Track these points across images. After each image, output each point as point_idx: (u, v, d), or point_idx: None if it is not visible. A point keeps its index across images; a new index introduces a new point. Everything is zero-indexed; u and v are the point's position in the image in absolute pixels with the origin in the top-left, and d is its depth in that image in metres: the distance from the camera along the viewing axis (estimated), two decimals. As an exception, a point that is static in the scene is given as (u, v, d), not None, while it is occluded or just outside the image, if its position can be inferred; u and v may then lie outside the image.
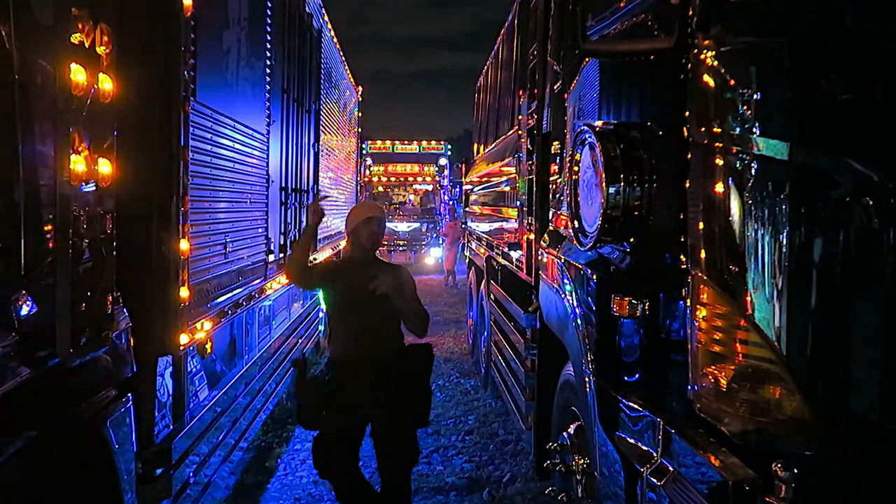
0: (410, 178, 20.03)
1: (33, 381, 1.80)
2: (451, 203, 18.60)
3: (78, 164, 1.94)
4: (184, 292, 2.84)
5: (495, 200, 6.69)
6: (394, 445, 3.46)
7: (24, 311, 1.78)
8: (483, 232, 7.56)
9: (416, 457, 3.61)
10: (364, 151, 17.30)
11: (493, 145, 7.13)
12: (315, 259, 5.59)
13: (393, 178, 20.00)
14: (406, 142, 20.36)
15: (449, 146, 20.48)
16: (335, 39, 8.40)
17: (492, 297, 6.08)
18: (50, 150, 1.84)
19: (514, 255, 4.91)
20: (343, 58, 9.39)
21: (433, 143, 20.48)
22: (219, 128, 3.38)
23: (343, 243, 8.03)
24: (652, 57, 2.13)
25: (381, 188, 19.64)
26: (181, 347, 2.90)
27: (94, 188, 2.06)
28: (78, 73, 1.90)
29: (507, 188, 5.68)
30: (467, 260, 9.23)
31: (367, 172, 18.68)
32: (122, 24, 2.21)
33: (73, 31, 1.90)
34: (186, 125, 2.81)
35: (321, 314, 7.84)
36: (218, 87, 3.42)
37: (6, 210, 1.71)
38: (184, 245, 2.81)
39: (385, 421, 3.44)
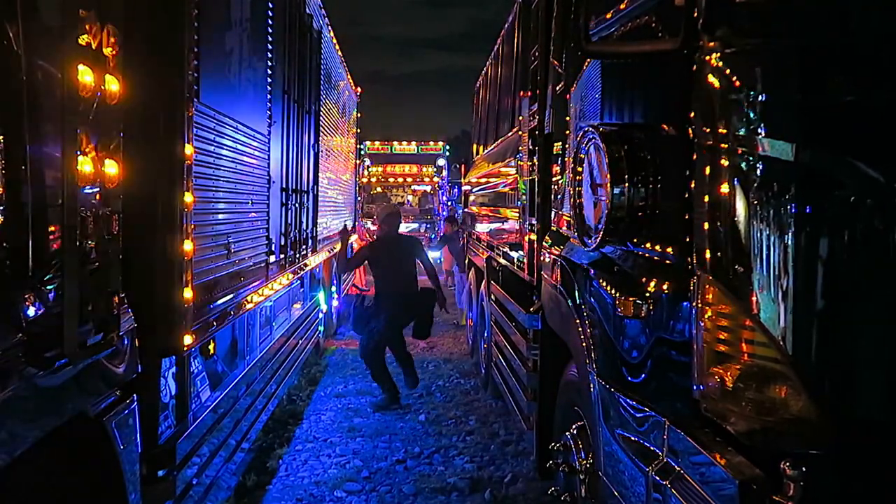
0: (409, 179, 20.03)
1: (41, 382, 1.80)
2: (449, 203, 18.59)
3: (85, 165, 1.94)
4: (188, 293, 2.84)
5: (496, 201, 6.69)
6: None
7: (32, 311, 1.79)
8: (483, 232, 7.57)
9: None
10: (362, 152, 17.29)
11: (494, 146, 7.13)
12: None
13: (391, 179, 20.00)
14: (404, 142, 20.37)
15: (447, 147, 20.49)
16: (334, 40, 8.41)
17: (492, 297, 6.08)
18: (57, 151, 1.84)
19: (516, 255, 4.91)
20: (342, 58, 9.40)
21: (431, 143, 20.49)
22: (221, 129, 3.38)
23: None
24: (656, 58, 2.14)
25: (379, 189, 19.64)
26: (185, 348, 2.90)
27: (100, 189, 2.06)
28: (85, 75, 1.90)
29: (508, 189, 5.69)
30: (466, 261, 9.23)
31: (366, 173, 18.68)
32: (128, 26, 2.21)
33: (81, 32, 1.90)
34: (190, 126, 2.81)
35: (320, 315, 7.86)
36: (221, 88, 3.42)
37: (14, 211, 1.71)
38: (187, 246, 2.81)
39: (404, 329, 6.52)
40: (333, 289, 8.95)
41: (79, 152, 1.92)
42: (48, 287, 1.84)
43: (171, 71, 2.67)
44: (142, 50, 2.47)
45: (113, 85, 2.08)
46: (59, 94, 1.83)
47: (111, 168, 2.10)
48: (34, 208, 1.76)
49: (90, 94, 1.95)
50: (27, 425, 1.80)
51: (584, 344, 2.67)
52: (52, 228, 1.84)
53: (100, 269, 2.08)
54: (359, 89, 11.80)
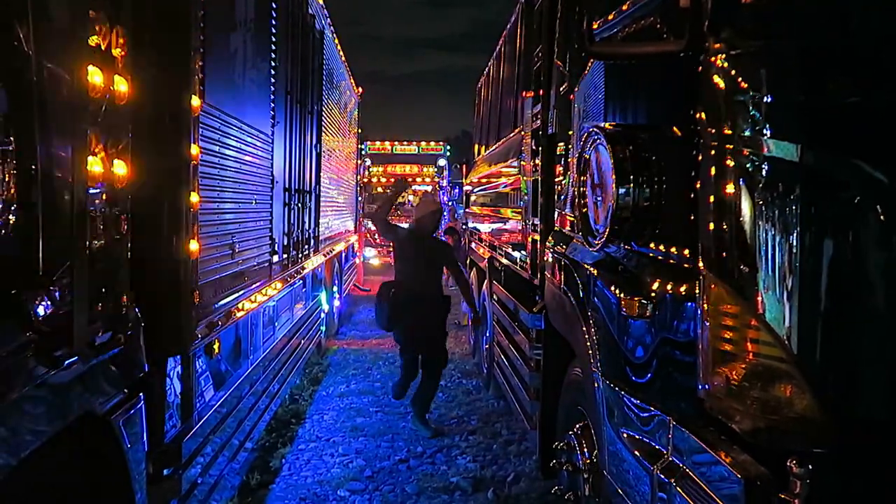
0: (409, 179, 20.01)
1: (50, 380, 1.82)
2: (450, 204, 18.59)
3: (94, 165, 1.95)
4: (193, 293, 2.86)
5: (498, 201, 6.71)
6: (434, 353, 5.79)
7: (42, 310, 1.80)
8: (485, 232, 7.58)
9: (446, 359, 5.97)
10: (363, 152, 17.31)
11: (496, 146, 7.14)
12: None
13: (392, 179, 19.98)
14: (405, 142, 20.36)
15: (448, 147, 20.49)
16: (336, 41, 8.42)
17: (494, 297, 6.09)
18: (67, 151, 1.85)
19: (518, 255, 4.92)
20: (343, 59, 9.41)
21: (432, 143, 20.48)
22: (226, 129, 3.39)
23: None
24: (660, 59, 2.15)
25: (380, 189, 19.62)
26: (190, 348, 2.92)
27: (109, 189, 2.07)
28: (95, 76, 1.92)
29: (511, 189, 5.70)
30: (468, 261, 9.24)
31: (367, 173, 18.68)
32: (136, 28, 2.23)
33: (91, 33, 1.92)
34: (196, 127, 2.82)
35: (322, 314, 7.87)
36: (226, 88, 3.44)
37: (25, 211, 1.73)
38: (193, 245, 2.83)
39: (429, 336, 5.75)
40: (335, 288, 8.97)
41: (89, 153, 1.93)
42: (58, 286, 1.86)
43: (178, 72, 2.69)
44: (150, 51, 2.48)
45: (122, 86, 2.10)
46: (69, 95, 1.84)
47: (119, 168, 2.12)
48: (44, 208, 1.78)
49: (99, 95, 1.97)
50: (36, 424, 1.81)
51: (588, 343, 2.69)
52: (61, 228, 1.86)
53: (108, 268, 2.09)
54: (360, 89, 11.80)
